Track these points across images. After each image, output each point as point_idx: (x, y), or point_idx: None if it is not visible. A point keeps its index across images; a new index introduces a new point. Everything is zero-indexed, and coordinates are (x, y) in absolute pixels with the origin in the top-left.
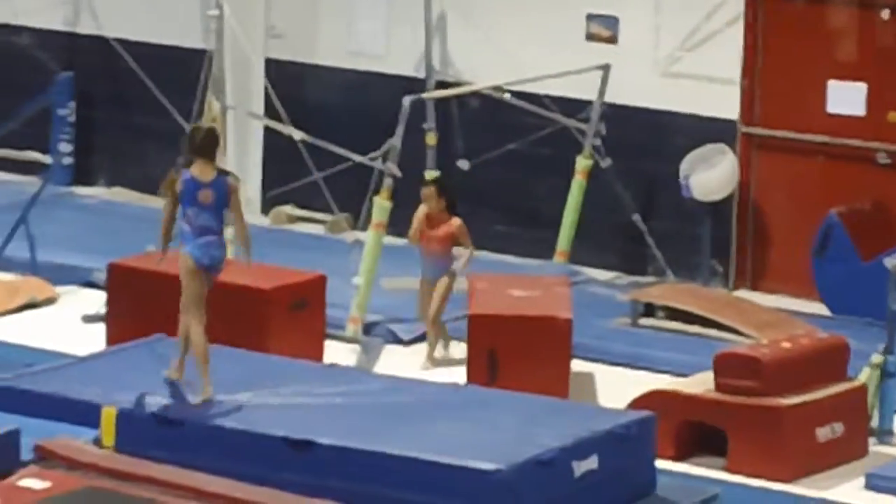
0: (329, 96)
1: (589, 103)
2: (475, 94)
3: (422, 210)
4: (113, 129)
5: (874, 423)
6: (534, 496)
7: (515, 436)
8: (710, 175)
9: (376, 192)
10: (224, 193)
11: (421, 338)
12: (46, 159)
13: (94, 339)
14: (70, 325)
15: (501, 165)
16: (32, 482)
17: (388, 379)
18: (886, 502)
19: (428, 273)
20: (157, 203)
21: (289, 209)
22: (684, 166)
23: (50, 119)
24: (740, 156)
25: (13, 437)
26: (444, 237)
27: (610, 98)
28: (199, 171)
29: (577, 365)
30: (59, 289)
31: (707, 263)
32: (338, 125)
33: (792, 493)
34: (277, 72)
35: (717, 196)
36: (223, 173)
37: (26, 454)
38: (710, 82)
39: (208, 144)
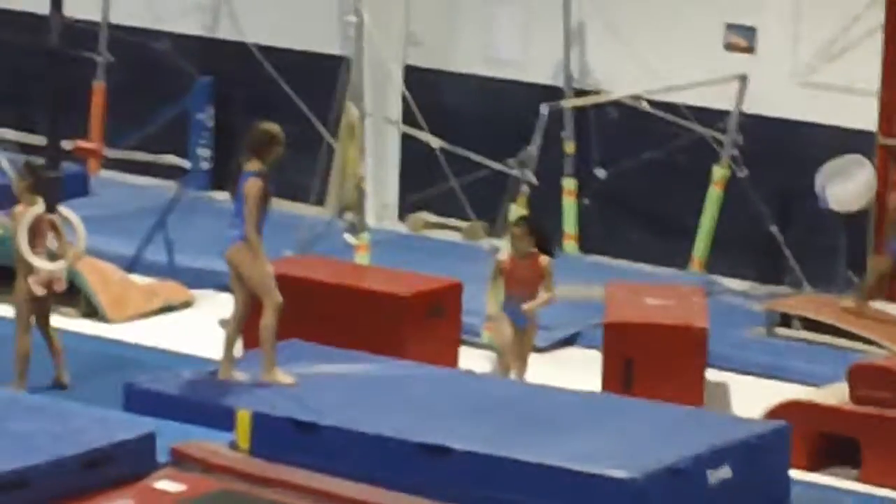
0: (466, 103)
1: (726, 113)
2: (613, 102)
3: (504, 254)
4: None
5: None
6: None
7: (649, 444)
8: (847, 186)
9: (512, 199)
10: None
11: (559, 344)
12: (185, 164)
13: None
14: (206, 328)
15: (638, 174)
16: (168, 484)
17: (522, 385)
18: None
19: (514, 318)
20: (294, 208)
21: (425, 216)
22: (821, 177)
23: (188, 124)
24: (878, 167)
25: (149, 439)
26: (532, 279)
27: (747, 108)
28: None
29: (711, 374)
30: (196, 292)
31: (843, 274)
32: (474, 132)
33: None
34: (415, 78)
35: (854, 207)
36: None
37: (162, 457)
38: (848, 93)
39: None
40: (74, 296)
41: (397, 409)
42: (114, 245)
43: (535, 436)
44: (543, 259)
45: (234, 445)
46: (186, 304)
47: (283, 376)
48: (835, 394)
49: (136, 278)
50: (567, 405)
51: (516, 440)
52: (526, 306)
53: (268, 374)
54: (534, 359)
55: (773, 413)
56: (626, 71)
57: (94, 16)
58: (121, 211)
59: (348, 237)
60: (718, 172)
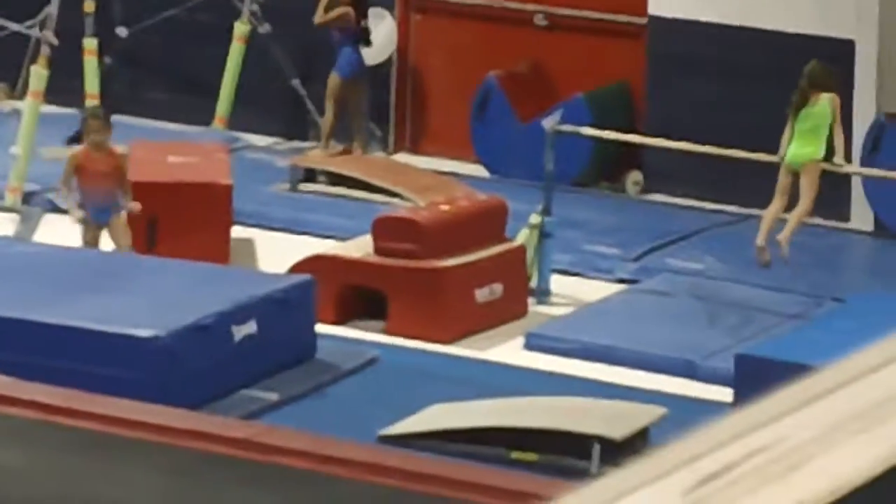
0: None
1: None
2: None
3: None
4: None
5: (533, 283)
6: (193, 361)
7: (174, 302)
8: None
9: (33, 60)
10: None
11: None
12: None
13: None
14: None
15: (160, 32)
16: None
17: (46, 248)
18: (544, 361)
19: (94, 215)
20: None
21: None
22: None
23: None
24: (398, 20)
25: None
26: (113, 170)
27: None
28: None
29: (237, 231)
30: None
31: (367, 128)
32: None
33: (451, 353)
34: None
35: (376, 60)
36: None
37: None
38: None
39: None
40: None
41: None
42: None
43: (58, 298)
44: (118, 149)
45: None
46: None
47: None
48: (360, 247)
49: None
50: (89, 265)
51: (40, 303)
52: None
53: None
54: (58, 220)
55: (298, 268)
56: None
57: None
58: None
59: None
60: (240, 28)
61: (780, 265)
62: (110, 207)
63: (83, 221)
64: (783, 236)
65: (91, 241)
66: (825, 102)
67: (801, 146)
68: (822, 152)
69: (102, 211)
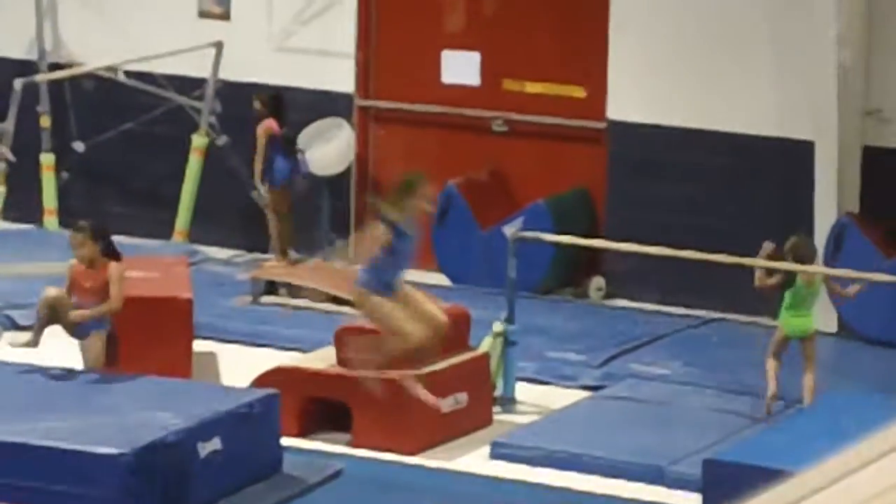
0: None
1: (204, 81)
2: (89, 74)
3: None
4: None
5: (498, 391)
6: (159, 479)
7: (138, 419)
8: (326, 149)
9: None
10: None
11: None
12: None
13: None
14: None
15: (118, 146)
16: None
17: (6, 365)
18: (511, 469)
19: (80, 330)
20: None
21: None
22: (301, 141)
23: None
24: (357, 129)
25: None
26: (101, 287)
27: (224, 75)
28: None
29: (199, 345)
30: None
31: (327, 238)
32: None
33: (417, 464)
34: None
35: (335, 170)
36: None
37: None
38: (324, 56)
39: None
40: None
41: None
42: None
43: (19, 415)
44: (112, 265)
45: None
46: None
47: None
48: (323, 358)
49: None
50: (51, 384)
51: (2, 422)
52: (75, 315)
53: None
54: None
55: (261, 380)
56: (100, 42)
57: None
58: None
59: None
60: (197, 140)
61: (741, 363)
62: (90, 325)
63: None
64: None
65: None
66: (817, 280)
67: (798, 316)
68: (816, 319)
69: (83, 327)
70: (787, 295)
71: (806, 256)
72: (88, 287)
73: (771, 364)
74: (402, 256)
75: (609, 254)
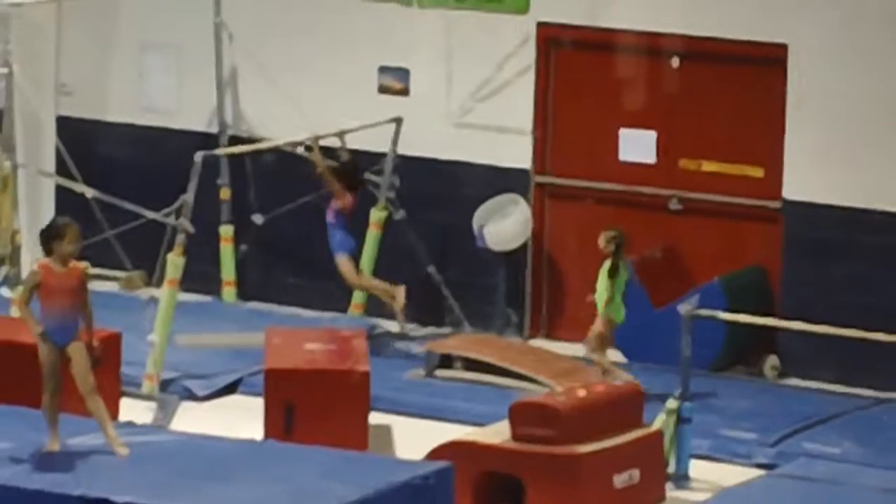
0: (121, 153)
1: (383, 155)
2: (269, 148)
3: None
4: None
5: (671, 468)
6: None
7: (313, 490)
8: (503, 225)
9: (170, 248)
10: None
11: (220, 392)
12: None
13: None
14: None
15: (295, 219)
16: None
17: (185, 435)
18: None
19: (51, 335)
20: None
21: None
22: (478, 217)
23: None
24: (533, 205)
25: None
26: (72, 288)
27: (403, 150)
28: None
29: (375, 418)
30: None
31: (502, 313)
32: (131, 182)
33: None
34: (68, 128)
35: (511, 246)
36: None
37: None
38: (502, 132)
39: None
40: None
41: (57, 463)
42: None
43: (198, 485)
44: (81, 264)
45: None
46: None
47: None
48: (497, 432)
49: None
50: (228, 453)
51: (180, 491)
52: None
53: None
54: (194, 408)
55: (436, 454)
56: (281, 116)
57: None
58: None
59: (4, 291)
60: (376, 215)
61: None
62: (70, 329)
63: (41, 337)
64: None
65: (49, 366)
66: None
67: None
68: None
69: (60, 331)
70: None
71: None
72: (61, 287)
73: None
74: None
75: (784, 332)
